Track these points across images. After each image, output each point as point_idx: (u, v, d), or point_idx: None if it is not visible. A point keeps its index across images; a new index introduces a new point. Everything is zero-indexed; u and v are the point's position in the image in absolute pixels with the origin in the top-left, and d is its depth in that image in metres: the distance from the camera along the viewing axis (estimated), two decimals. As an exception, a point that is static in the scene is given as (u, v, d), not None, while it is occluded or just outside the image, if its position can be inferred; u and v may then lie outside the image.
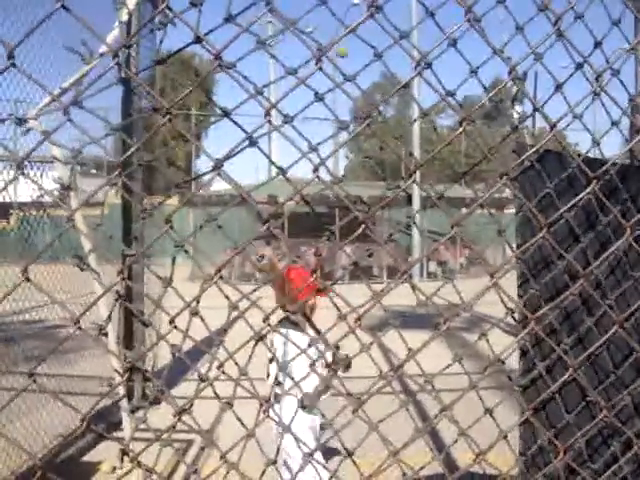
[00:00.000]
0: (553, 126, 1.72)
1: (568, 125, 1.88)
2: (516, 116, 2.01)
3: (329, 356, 3.90)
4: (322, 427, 4.26)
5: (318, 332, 4.26)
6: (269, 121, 1.39)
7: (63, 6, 1.14)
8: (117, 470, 5.91)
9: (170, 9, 1.25)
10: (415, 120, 28.57)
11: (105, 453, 6.28)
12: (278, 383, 4.28)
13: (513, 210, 2.17)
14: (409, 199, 25.37)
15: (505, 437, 1.76)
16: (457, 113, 1.60)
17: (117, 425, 6.41)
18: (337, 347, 1.78)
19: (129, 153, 1.38)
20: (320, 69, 1.38)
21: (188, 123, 45.01)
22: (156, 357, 8.39)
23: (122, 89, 7.83)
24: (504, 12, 1.73)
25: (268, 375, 4.36)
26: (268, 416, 1.57)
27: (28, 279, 1.25)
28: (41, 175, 5.82)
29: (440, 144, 1.73)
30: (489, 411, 1.76)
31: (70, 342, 1.72)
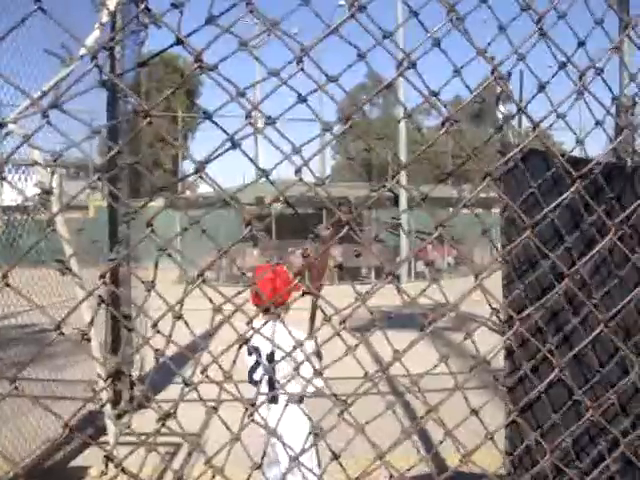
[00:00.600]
0: (536, 126, 1.72)
1: (552, 124, 1.88)
2: (500, 116, 2.01)
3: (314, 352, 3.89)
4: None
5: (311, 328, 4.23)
6: (250, 123, 1.38)
7: (40, 8, 1.13)
8: (105, 475, 5.88)
9: (149, 10, 1.23)
10: (399, 121, 28.59)
11: (94, 457, 6.24)
12: (270, 384, 4.26)
13: (499, 209, 2.17)
14: (396, 199, 25.38)
15: (491, 438, 1.76)
16: (440, 114, 1.60)
17: (104, 430, 6.37)
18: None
19: (109, 156, 1.37)
20: (302, 70, 1.37)
21: (175, 125, 44.92)
22: (143, 361, 8.35)
23: (108, 91, 7.80)
24: (487, 12, 1.73)
25: (252, 381, 4.33)
26: (253, 420, 1.55)
27: (8, 284, 1.24)
28: (25, 179, 5.78)
29: (426, 145, 1.72)
30: (475, 412, 1.76)
31: (62, 346, 1.71)
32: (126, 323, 6.05)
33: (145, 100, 1.50)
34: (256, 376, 4.33)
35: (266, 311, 3.95)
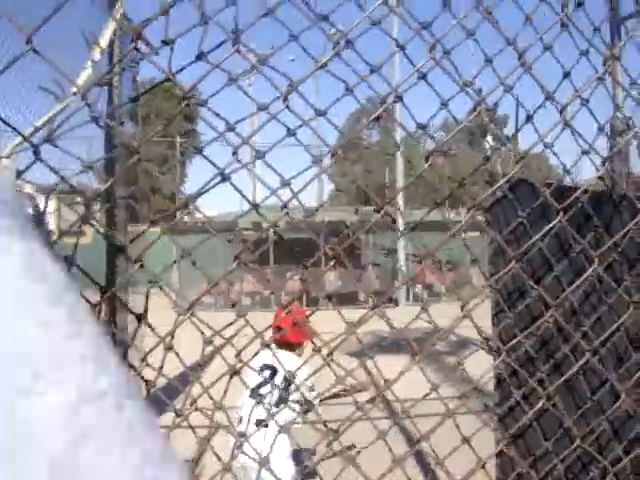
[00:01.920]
0: (521, 158, 1.74)
1: (543, 150, 1.92)
2: (488, 146, 2.04)
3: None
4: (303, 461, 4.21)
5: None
6: (238, 160, 1.40)
7: (34, 49, 1.16)
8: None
9: (138, 50, 1.26)
10: (392, 154, 28.73)
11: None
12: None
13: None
14: (393, 224, 25.37)
15: (483, 466, 1.76)
16: (424, 149, 1.63)
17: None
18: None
19: (104, 188, 1.39)
20: (287, 107, 1.39)
21: (172, 150, 45.01)
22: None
23: (106, 118, 7.81)
24: (474, 44, 1.77)
25: (255, 395, 4.31)
26: (243, 452, 1.56)
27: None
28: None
29: (422, 169, 1.75)
30: (467, 440, 1.76)
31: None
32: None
33: (142, 125, 1.53)
34: (263, 390, 4.31)
35: (288, 347, 4.04)
